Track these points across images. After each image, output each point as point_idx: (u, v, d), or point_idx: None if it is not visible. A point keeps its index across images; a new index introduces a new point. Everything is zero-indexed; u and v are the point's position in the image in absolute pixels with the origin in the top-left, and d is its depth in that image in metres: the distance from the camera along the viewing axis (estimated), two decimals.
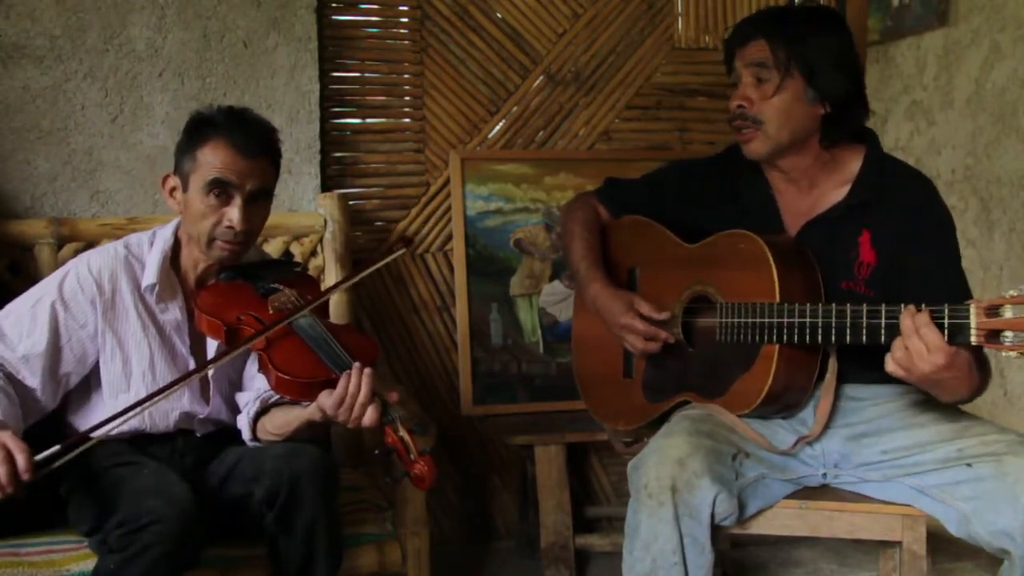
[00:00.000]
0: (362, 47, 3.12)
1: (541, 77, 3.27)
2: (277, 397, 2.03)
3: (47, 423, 2.04)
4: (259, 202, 2.06)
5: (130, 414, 1.85)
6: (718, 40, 3.38)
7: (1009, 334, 1.53)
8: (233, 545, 2.04)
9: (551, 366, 3.25)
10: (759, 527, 1.94)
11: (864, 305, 1.73)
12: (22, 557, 1.95)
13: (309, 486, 1.91)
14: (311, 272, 2.72)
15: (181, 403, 2.08)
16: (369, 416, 1.85)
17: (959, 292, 1.66)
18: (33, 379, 1.99)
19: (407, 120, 3.17)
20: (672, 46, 3.38)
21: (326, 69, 3.01)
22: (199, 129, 2.04)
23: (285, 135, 2.79)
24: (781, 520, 1.95)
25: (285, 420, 2.00)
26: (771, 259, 1.90)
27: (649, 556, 1.80)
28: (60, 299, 2.03)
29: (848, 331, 1.75)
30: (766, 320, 1.87)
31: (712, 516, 1.79)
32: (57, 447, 1.75)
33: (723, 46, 2.08)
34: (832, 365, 1.93)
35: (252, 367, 2.12)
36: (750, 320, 1.91)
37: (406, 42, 3.16)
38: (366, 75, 3.14)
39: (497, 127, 3.24)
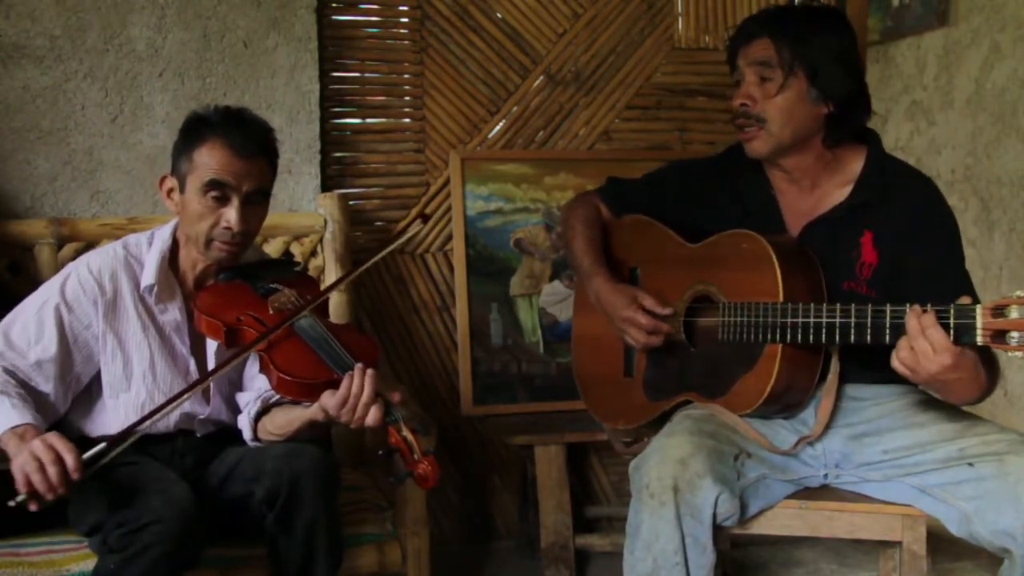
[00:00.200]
0: (362, 47, 3.12)
1: (541, 77, 3.27)
2: (278, 397, 2.03)
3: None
4: (256, 202, 2.05)
5: (166, 410, 1.86)
6: (718, 40, 3.38)
7: (1015, 334, 1.53)
8: (233, 545, 2.04)
9: (551, 366, 3.25)
10: (760, 527, 1.94)
11: (869, 305, 1.73)
12: (22, 557, 1.95)
13: (309, 486, 1.91)
14: (311, 272, 2.72)
15: (182, 404, 2.08)
16: (372, 416, 1.85)
17: (963, 292, 1.66)
18: (47, 384, 1.99)
19: (407, 120, 3.17)
20: (672, 46, 3.38)
21: (326, 69, 3.00)
22: (195, 130, 2.03)
23: (285, 135, 2.80)
24: (781, 520, 1.95)
25: (286, 420, 2.00)
26: (775, 259, 1.90)
27: (650, 556, 1.80)
28: (63, 302, 2.03)
29: (852, 331, 1.75)
30: (769, 320, 1.87)
31: (714, 516, 1.79)
32: (103, 444, 1.77)
33: (726, 44, 2.08)
34: (834, 365, 1.93)
35: (252, 367, 2.12)
36: (753, 320, 1.90)
37: (406, 42, 3.16)
38: (366, 75, 3.14)
39: (497, 127, 3.24)
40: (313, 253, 2.80)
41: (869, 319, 1.72)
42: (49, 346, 1.99)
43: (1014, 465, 1.74)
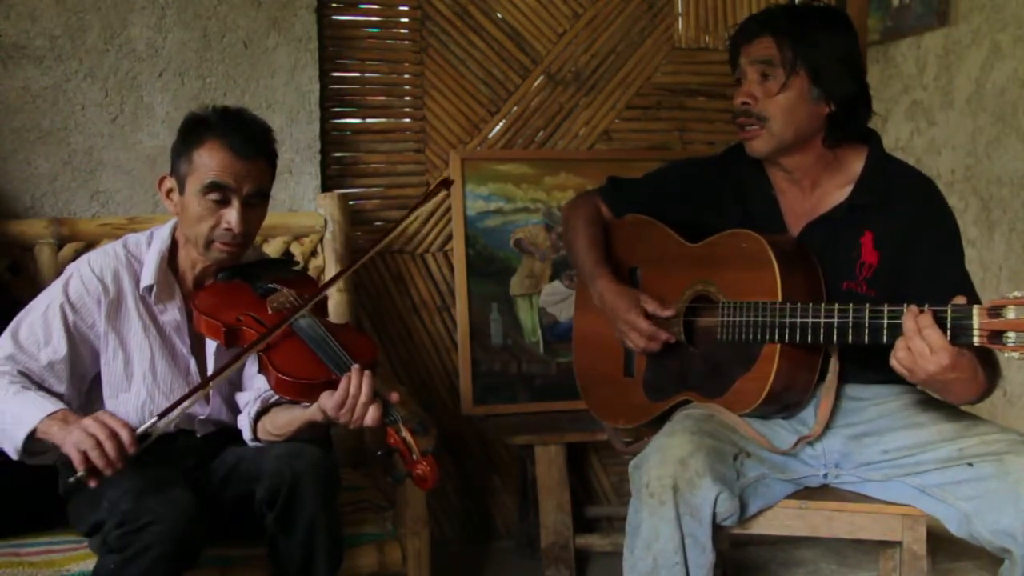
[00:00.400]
0: (362, 47, 3.12)
1: (541, 77, 3.27)
2: (277, 397, 2.03)
3: None
4: (256, 204, 2.05)
5: (183, 407, 1.88)
6: (718, 40, 3.38)
7: (1012, 335, 1.53)
8: (233, 545, 2.04)
9: (551, 366, 3.25)
10: (759, 527, 1.94)
11: (867, 305, 1.73)
12: (22, 557, 1.95)
13: (309, 486, 1.91)
14: (311, 272, 2.72)
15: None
16: (370, 417, 1.85)
17: (963, 293, 1.66)
18: (60, 385, 2.00)
19: (407, 120, 3.18)
20: (672, 46, 3.38)
21: (326, 69, 3.01)
22: (195, 130, 2.03)
23: (285, 135, 2.80)
24: (781, 520, 1.94)
25: (286, 420, 2.00)
26: (773, 259, 1.90)
27: (650, 555, 1.80)
28: (68, 302, 2.03)
29: (850, 331, 1.75)
30: (767, 320, 1.87)
31: (713, 516, 1.79)
32: (154, 419, 1.81)
33: (728, 43, 2.07)
34: (833, 365, 1.93)
35: (252, 367, 2.12)
36: (751, 319, 1.90)
37: (406, 42, 3.16)
38: (366, 75, 3.14)
39: (497, 127, 3.24)
40: (313, 253, 2.80)
41: (867, 319, 1.72)
42: (59, 347, 1.99)
43: (1014, 465, 1.74)
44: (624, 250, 2.27)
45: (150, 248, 2.11)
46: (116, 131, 2.74)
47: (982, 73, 2.96)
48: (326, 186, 2.96)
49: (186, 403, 1.87)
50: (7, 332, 2.01)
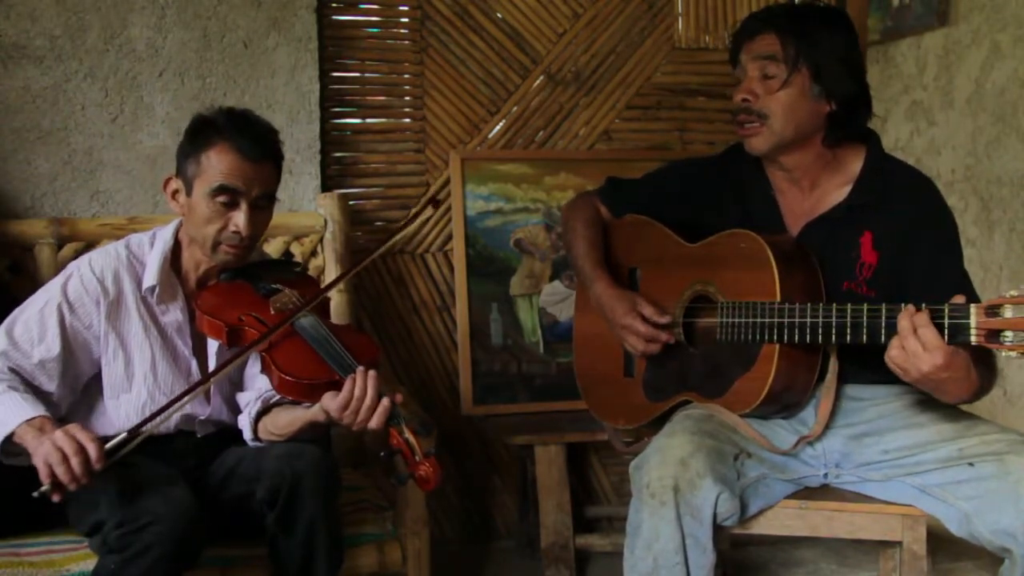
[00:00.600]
0: (362, 47, 3.12)
1: (541, 77, 3.27)
2: (279, 397, 2.03)
3: None
4: (264, 207, 2.06)
5: (175, 407, 1.87)
6: (718, 40, 3.39)
7: (1009, 334, 1.53)
8: (233, 545, 2.04)
9: (551, 366, 3.25)
10: (760, 527, 1.94)
11: (865, 304, 1.73)
12: (22, 557, 1.95)
13: (310, 486, 1.91)
14: (311, 272, 2.72)
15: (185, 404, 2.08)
16: (375, 420, 1.85)
17: (963, 293, 1.66)
18: (50, 384, 1.99)
19: (407, 120, 3.18)
20: (672, 46, 3.38)
21: (326, 69, 3.01)
22: (202, 132, 2.02)
23: (285, 135, 2.79)
24: (781, 520, 1.94)
25: (287, 420, 2.00)
26: (772, 259, 1.90)
27: (651, 555, 1.80)
28: (65, 302, 2.03)
29: (849, 330, 1.75)
30: (766, 320, 1.87)
31: (714, 516, 1.79)
32: (124, 435, 1.79)
33: (730, 39, 2.07)
34: (833, 365, 1.93)
35: (253, 367, 2.12)
36: (750, 320, 1.90)
37: (406, 42, 3.16)
38: (366, 75, 3.14)
39: (497, 127, 3.24)
40: (313, 253, 2.80)
41: (865, 319, 1.72)
42: (52, 346, 1.99)
43: (1014, 465, 1.74)
44: (623, 251, 2.27)
45: (153, 249, 2.11)
46: (116, 131, 2.74)
47: (982, 73, 2.97)
48: (326, 186, 2.96)
49: (171, 410, 1.86)
50: (2, 328, 2.01)
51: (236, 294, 2.06)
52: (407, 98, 3.17)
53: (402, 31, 3.16)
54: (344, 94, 3.10)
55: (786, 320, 1.84)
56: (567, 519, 2.97)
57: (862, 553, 3.00)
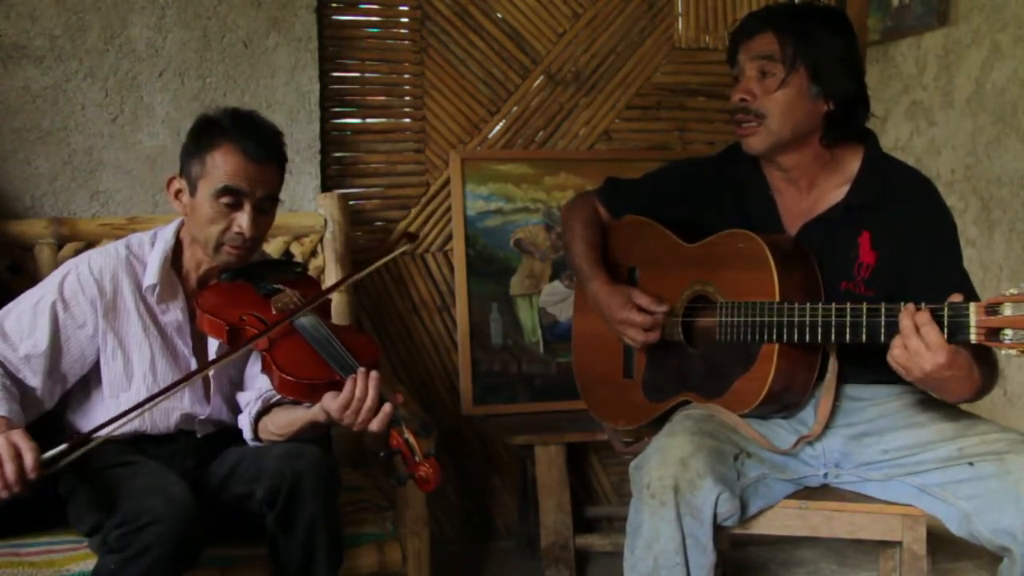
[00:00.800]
0: (362, 47, 3.12)
1: (541, 77, 3.27)
2: (279, 397, 2.03)
3: (48, 422, 2.03)
4: (268, 208, 2.06)
5: (134, 414, 1.85)
6: (718, 40, 3.38)
7: (1009, 332, 1.54)
8: (233, 545, 2.04)
9: (551, 366, 3.25)
10: (760, 527, 1.94)
11: (864, 304, 1.73)
12: (22, 557, 1.95)
13: (310, 486, 1.91)
14: (311, 272, 2.72)
15: (182, 404, 2.08)
16: (377, 422, 1.85)
17: (962, 292, 1.66)
18: (34, 379, 1.99)
19: (407, 120, 3.18)
20: (672, 46, 3.38)
21: (326, 69, 3.01)
22: (208, 133, 2.02)
23: (285, 135, 2.77)
24: (781, 520, 1.95)
25: (287, 420, 2.00)
26: (771, 259, 1.90)
27: (651, 556, 1.80)
28: (60, 299, 2.03)
29: (848, 330, 1.75)
30: (765, 319, 1.87)
31: (714, 516, 1.79)
32: (64, 446, 1.75)
33: (728, 38, 2.07)
34: (832, 365, 1.93)
35: (253, 367, 2.12)
36: (749, 319, 1.90)
37: (406, 42, 3.16)
38: (366, 75, 3.14)
39: (497, 127, 3.24)
40: (313, 253, 2.80)
41: (864, 318, 1.73)
42: (40, 341, 1.99)
43: (1014, 464, 1.74)
44: (622, 251, 2.27)
45: (154, 248, 2.11)
46: (116, 131, 2.74)
47: (982, 73, 2.97)
48: (326, 186, 2.96)
49: (125, 419, 1.84)
50: None
51: (237, 294, 2.07)
52: (407, 98, 3.17)
53: (402, 31, 3.16)
54: (344, 94, 3.10)
55: (785, 320, 1.84)
56: (567, 519, 2.97)
57: (862, 553, 3.00)
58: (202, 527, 1.84)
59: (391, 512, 2.27)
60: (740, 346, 1.93)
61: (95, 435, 1.82)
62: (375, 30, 3.14)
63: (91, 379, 2.08)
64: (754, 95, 1.97)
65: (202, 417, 2.11)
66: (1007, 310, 1.54)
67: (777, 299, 1.88)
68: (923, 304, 1.64)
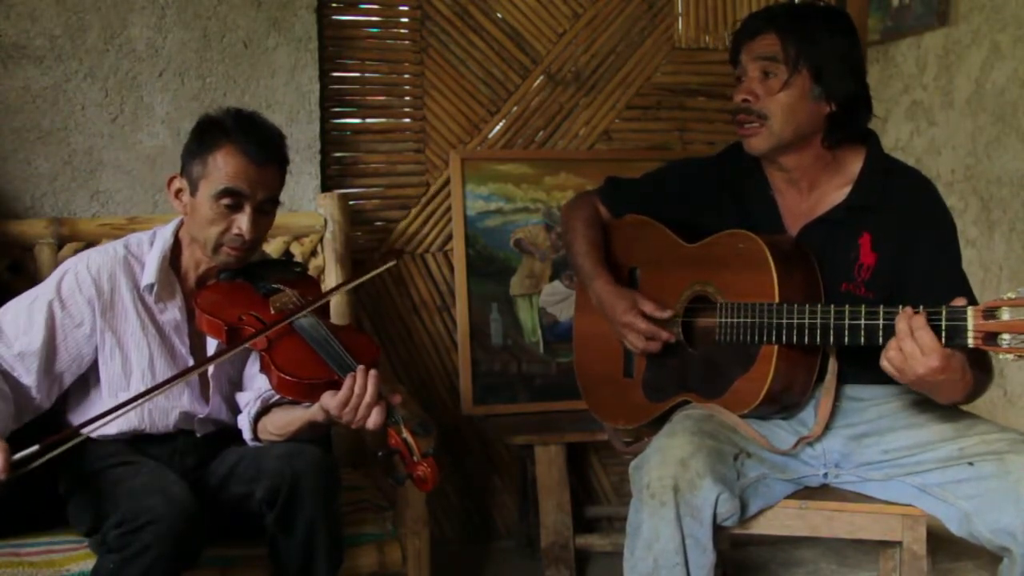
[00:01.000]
0: (362, 47, 3.12)
1: (541, 77, 3.27)
2: (278, 397, 2.03)
3: (47, 422, 2.03)
4: (268, 210, 2.06)
5: (116, 413, 1.85)
6: (718, 40, 3.39)
7: (1006, 336, 1.53)
8: (233, 545, 2.04)
9: (551, 366, 3.25)
10: (760, 527, 1.94)
11: (863, 306, 1.73)
12: (22, 557, 1.95)
13: (310, 486, 1.91)
14: (311, 272, 2.72)
15: (181, 403, 2.08)
16: (373, 419, 1.85)
17: (961, 295, 1.66)
18: (28, 377, 1.99)
19: (407, 120, 3.18)
20: (672, 46, 3.38)
21: (326, 69, 3.01)
22: (210, 133, 2.02)
23: (285, 135, 2.79)
24: (781, 520, 1.95)
25: (286, 420, 2.00)
26: (771, 259, 1.90)
27: (651, 556, 1.80)
28: (58, 298, 2.03)
29: (847, 332, 1.75)
30: (765, 320, 1.87)
31: (714, 516, 1.79)
32: (35, 447, 1.74)
33: (731, 38, 2.07)
34: (832, 365, 1.93)
35: (252, 366, 2.12)
36: (749, 320, 1.90)
37: (406, 42, 3.16)
38: (366, 75, 3.14)
39: (497, 127, 3.24)
40: (313, 253, 2.80)
41: (863, 320, 1.73)
42: (35, 340, 1.99)
43: (1014, 464, 1.74)
44: (623, 251, 2.27)
45: (152, 248, 2.11)
46: (116, 131, 2.74)
47: (982, 73, 2.97)
48: (326, 186, 2.96)
49: (108, 418, 1.84)
50: None
51: (236, 293, 2.06)
52: (407, 98, 3.17)
53: (402, 31, 3.16)
54: (344, 94, 3.10)
55: (784, 321, 1.84)
56: (567, 519, 2.97)
57: (862, 553, 3.00)
58: (201, 527, 1.84)
59: (391, 512, 2.27)
60: (740, 347, 1.93)
61: (80, 432, 1.81)
62: (375, 30, 3.14)
63: (90, 378, 2.08)
64: (756, 96, 1.97)
65: (201, 416, 2.11)
66: (1005, 314, 1.54)
67: (777, 300, 1.88)
68: (921, 307, 1.63)
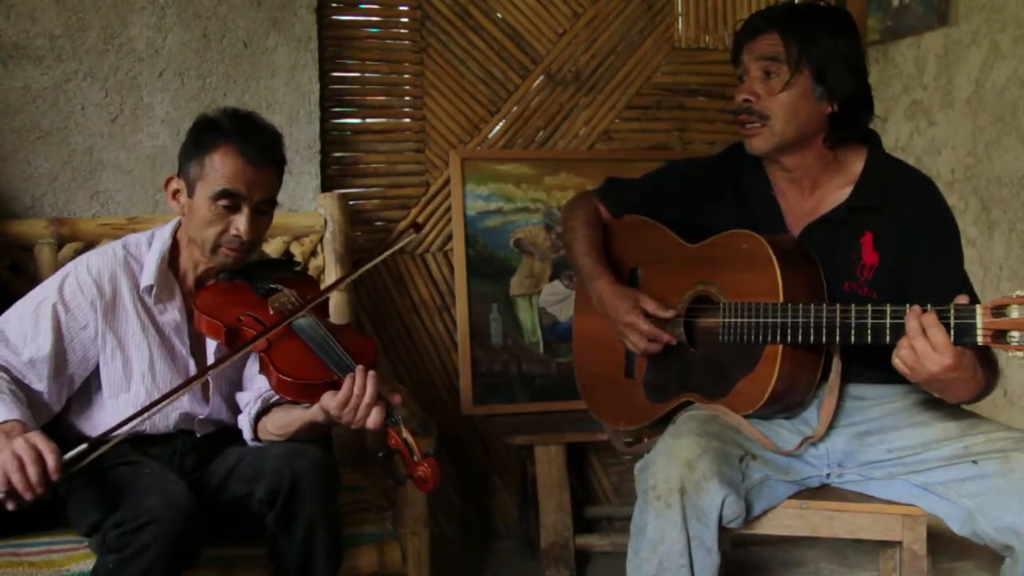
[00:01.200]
0: (362, 47, 3.12)
1: (541, 77, 3.27)
2: (278, 397, 2.03)
3: (49, 426, 2.03)
4: (266, 211, 2.06)
5: (148, 413, 1.85)
6: (718, 40, 3.39)
7: (1016, 334, 1.53)
8: (233, 545, 2.03)
9: (551, 366, 3.25)
10: (761, 527, 1.94)
11: (869, 305, 1.73)
12: (22, 557, 1.95)
13: (310, 486, 1.90)
14: (311, 272, 2.72)
15: (181, 403, 2.08)
16: (373, 418, 1.85)
17: (964, 294, 1.66)
18: (40, 383, 1.99)
19: (407, 120, 3.18)
20: (672, 46, 3.38)
21: (326, 69, 3.01)
22: (207, 134, 2.02)
23: (285, 135, 2.78)
24: (782, 520, 1.94)
25: (286, 420, 2.00)
26: (774, 259, 1.90)
27: (656, 557, 1.80)
28: (61, 301, 2.02)
29: (852, 331, 1.74)
30: (769, 320, 1.87)
31: (720, 518, 1.79)
32: (84, 446, 1.75)
33: (733, 38, 2.07)
34: (836, 365, 1.93)
35: (252, 367, 2.12)
36: (753, 320, 1.90)
37: (406, 42, 3.16)
38: (366, 75, 3.14)
39: (497, 127, 3.24)
40: (313, 253, 2.80)
41: (869, 319, 1.72)
42: (44, 345, 1.98)
43: (1018, 462, 1.74)
44: (623, 251, 2.27)
45: (151, 248, 2.10)
46: (116, 131, 2.74)
47: (982, 73, 2.96)
48: (326, 186, 2.96)
49: (142, 417, 1.84)
50: None
51: (235, 294, 2.06)
52: (407, 98, 3.17)
53: (402, 31, 3.16)
54: (344, 94, 3.10)
55: (789, 320, 1.83)
56: (567, 519, 2.97)
57: (862, 553, 3.00)
58: (201, 527, 1.84)
59: (391, 512, 2.27)
60: (743, 347, 1.93)
61: (113, 435, 1.81)
62: (375, 30, 3.14)
63: (91, 381, 2.08)
64: (758, 96, 1.97)
65: (201, 417, 2.11)
66: (1014, 312, 1.53)
67: (780, 300, 1.87)
68: (929, 306, 1.63)
